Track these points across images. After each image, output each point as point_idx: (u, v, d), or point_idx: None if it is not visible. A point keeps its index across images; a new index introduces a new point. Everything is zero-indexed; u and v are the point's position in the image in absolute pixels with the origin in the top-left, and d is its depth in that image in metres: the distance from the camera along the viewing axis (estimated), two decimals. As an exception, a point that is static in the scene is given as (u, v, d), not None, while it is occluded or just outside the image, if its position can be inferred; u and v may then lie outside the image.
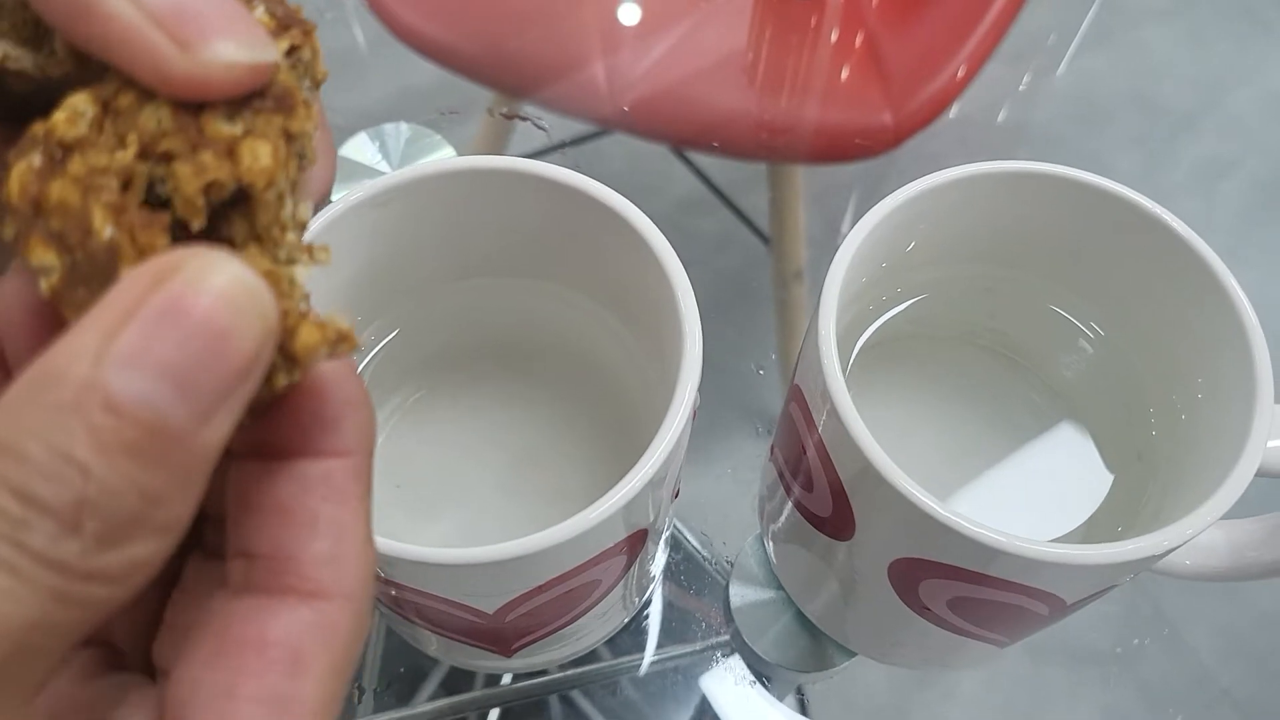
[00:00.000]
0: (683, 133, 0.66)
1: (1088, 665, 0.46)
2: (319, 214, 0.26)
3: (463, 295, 0.31)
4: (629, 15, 0.66)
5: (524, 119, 0.57)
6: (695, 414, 0.27)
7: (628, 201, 0.26)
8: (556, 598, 0.26)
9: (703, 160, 0.94)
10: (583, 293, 0.30)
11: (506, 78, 0.63)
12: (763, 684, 0.38)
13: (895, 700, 0.49)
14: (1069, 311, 0.30)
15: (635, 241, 0.26)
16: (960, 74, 0.66)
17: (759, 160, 0.77)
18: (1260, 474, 0.25)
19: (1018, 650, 0.49)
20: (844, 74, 0.68)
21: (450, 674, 0.40)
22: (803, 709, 0.40)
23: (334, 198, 0.26)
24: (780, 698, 0.39)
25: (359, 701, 0.38)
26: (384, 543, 0.23)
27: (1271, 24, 1.13)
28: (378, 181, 0.26)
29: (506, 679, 0.40)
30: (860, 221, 0.26)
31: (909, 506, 0.23)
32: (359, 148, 0.44)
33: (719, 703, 0.39)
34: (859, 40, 0.69)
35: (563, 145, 0.57)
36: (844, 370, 0.31)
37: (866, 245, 0.26)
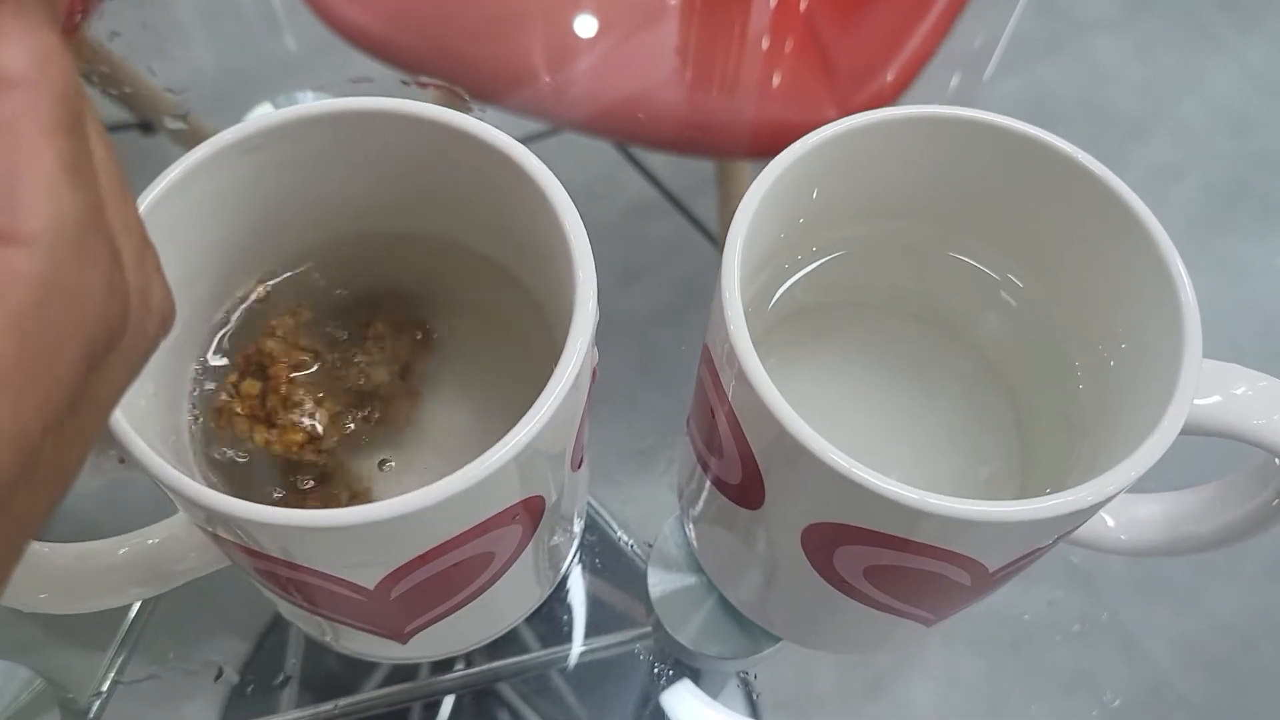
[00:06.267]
0: (628, 128, 0.65)
1: (1045, 677, 0.45)
2: (184, 158, 0.24)
3: (349, 248, 0.29)
4: (574, 13, 0.65)
5: (440, 87, 0.55)
6: (595, 374, 0.26)
7: (514, 141, 0.24)
8: (444, 571, 0.24)
9: (654, 163, 0.93)
10: (482, 245, 0.29)
11: (449, 72, 0.62)
12: (689, 676, 0.36)
13: (845, 712, 0.48)
14: (988, 265, 0.29)
15: (525, 184, 0.24)
16: (905, 71, 0.65)
17: (705, 156, 0.76)
18: (1189, 431, 0.23)
19: (973, 660, 0.48)
20: (788, 69, 0.67)
21: (393, 672, 0.37)
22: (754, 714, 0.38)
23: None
24: (712, 689, 0.37)
25: (282, 687, 0.36)
26: (243, 506, 0.21)
27: (1217, 34, 1.15)
28: (245, 124, 0.24)
29: (458, 666, 0.37)
30: (768, 167, 0.25)
31: (815, 462, 0.21)
32: (263, 116, 0.42)
33: (649, 696, 0.37)
34: (803, 36, 0.68)
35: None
36: (761, 333, 0.29)
37: (777, 191, 0.25)
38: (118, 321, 0.14)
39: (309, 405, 0.27)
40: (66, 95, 0.13)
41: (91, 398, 0.14)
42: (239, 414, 0.27)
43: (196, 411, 0.27)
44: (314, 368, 0.28)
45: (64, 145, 0.13)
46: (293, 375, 0.27)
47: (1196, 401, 0.23)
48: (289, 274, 0.29)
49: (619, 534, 0.38)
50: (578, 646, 0.37)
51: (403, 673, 0.37)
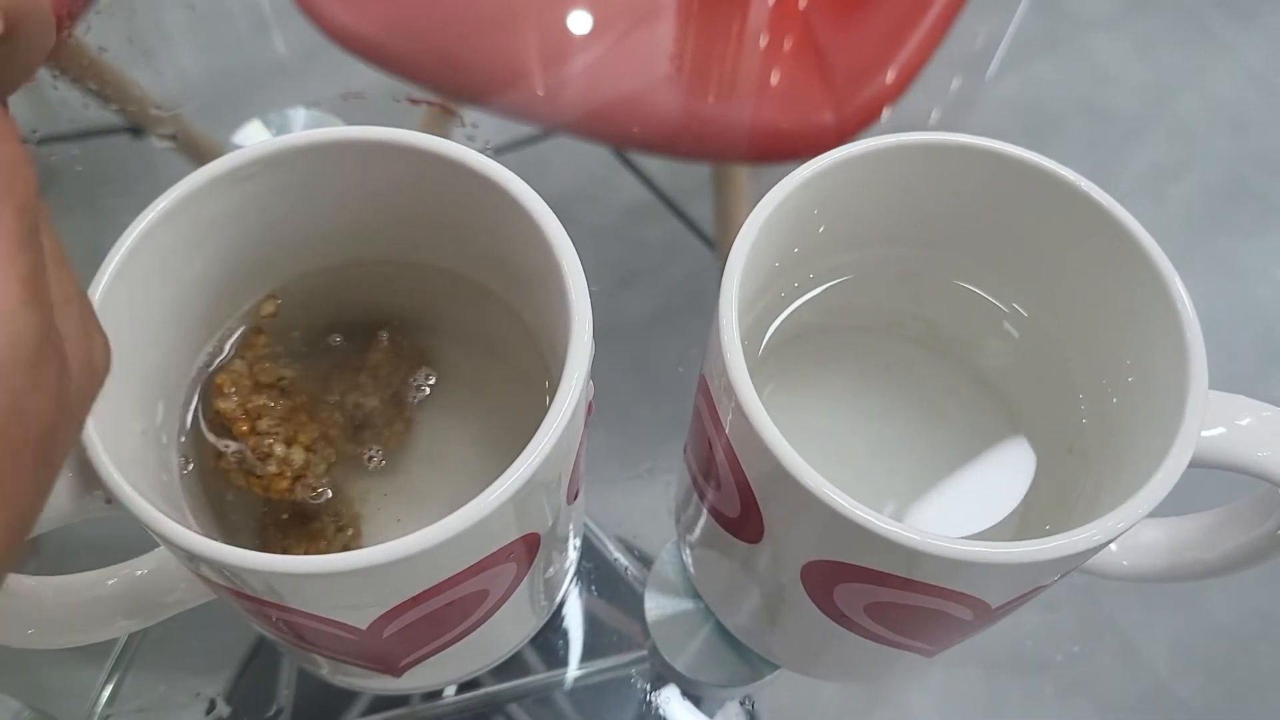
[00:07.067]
0: (623, 132, 0.64)
1: (1043, 681, 0.45)
2: (173, 189, 0.24)
3: (343, 277, 0.29)
4: (568, 15, 0.64)
5: (431, 104, 0.55)
6: (591, 408, 0.25)
7: (510, 172, 0.24)
8: (437, 610, 0.24)
9: (649, 166, 0.93)
10: (474, 273, 0.28)
11: (444, 77, 0.61)
12: (691, 701, 0.36)
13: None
14: (991, 293, 0.29)
15: (517, 213, 0.24)
16: (903, 73, 0.65)
17: (701, 161, 0.75)
18: (1194, 464, 0.23)
19: (971, 667, 0.47)
20: (785, 72, 0.66)
21: (385, 698, 0.37)
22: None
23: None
24: (710, 706, 0.37)
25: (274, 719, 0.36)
26: (231, 551, 0.21)
27: (1216, 32, 1.14)
28: (239, 153, 0.24)
29: (450, 691, 0.37)
30: (765, 197, 0.24)
31: (815, 502, 0.21)
32: (254, 135, 0.41)
33: (646, 718, 0.36)
34: (800, 39, 0.68)
35: (504, 149, 0.55)
36: (757, 360, 0.29)
37: (774, 221, 0.24)
38: (65, 426, 0.14)
39: (280, 450, 0.26)
40: (27, 206, 0.13)
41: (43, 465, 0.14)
42: (229, 469, 0.26)
43: (185, 455, 0.27)
44: (281, 406, 0.27)
45: (23, 262, 0.13)
46: (257, 425, 0.27)
47: (1201, 434, 0.23)
48: (278, 303, 0.29)
49: (615, 556, 0.37)
50: (574, 670, 0.36)
51: (395, 698, 0.36)
